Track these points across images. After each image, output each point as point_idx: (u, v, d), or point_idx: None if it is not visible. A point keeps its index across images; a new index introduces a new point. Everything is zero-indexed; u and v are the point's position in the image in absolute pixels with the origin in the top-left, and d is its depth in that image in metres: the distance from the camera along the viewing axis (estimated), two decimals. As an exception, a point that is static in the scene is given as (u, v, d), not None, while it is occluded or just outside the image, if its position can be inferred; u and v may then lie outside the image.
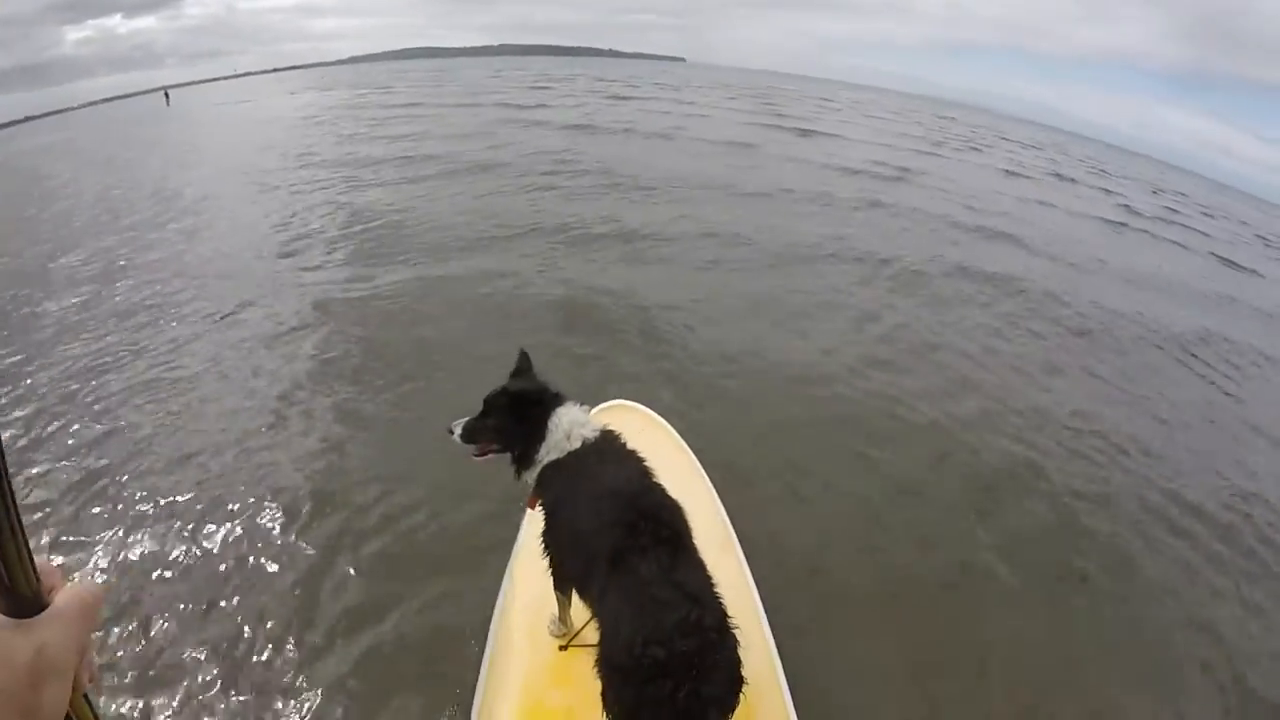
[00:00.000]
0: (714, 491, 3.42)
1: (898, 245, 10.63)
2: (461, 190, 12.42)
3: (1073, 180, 27.33)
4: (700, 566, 2.00)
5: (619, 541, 1.96)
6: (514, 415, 2.35)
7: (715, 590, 1.94)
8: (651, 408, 4.11)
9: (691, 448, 3.75)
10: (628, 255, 9.19)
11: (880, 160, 19.90)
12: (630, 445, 2.32)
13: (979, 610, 3.86)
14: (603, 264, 8.71)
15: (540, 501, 2.34)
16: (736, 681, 1.86)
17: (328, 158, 16.25)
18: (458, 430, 2.43)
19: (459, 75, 60.51)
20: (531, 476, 2.35)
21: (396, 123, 22.58)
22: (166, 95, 56.68)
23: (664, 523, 2.01)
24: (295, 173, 14.53)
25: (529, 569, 2.71)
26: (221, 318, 6.91)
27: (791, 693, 2.48)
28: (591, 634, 2.15)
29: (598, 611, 2.06)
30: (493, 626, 2.82)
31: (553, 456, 2.28)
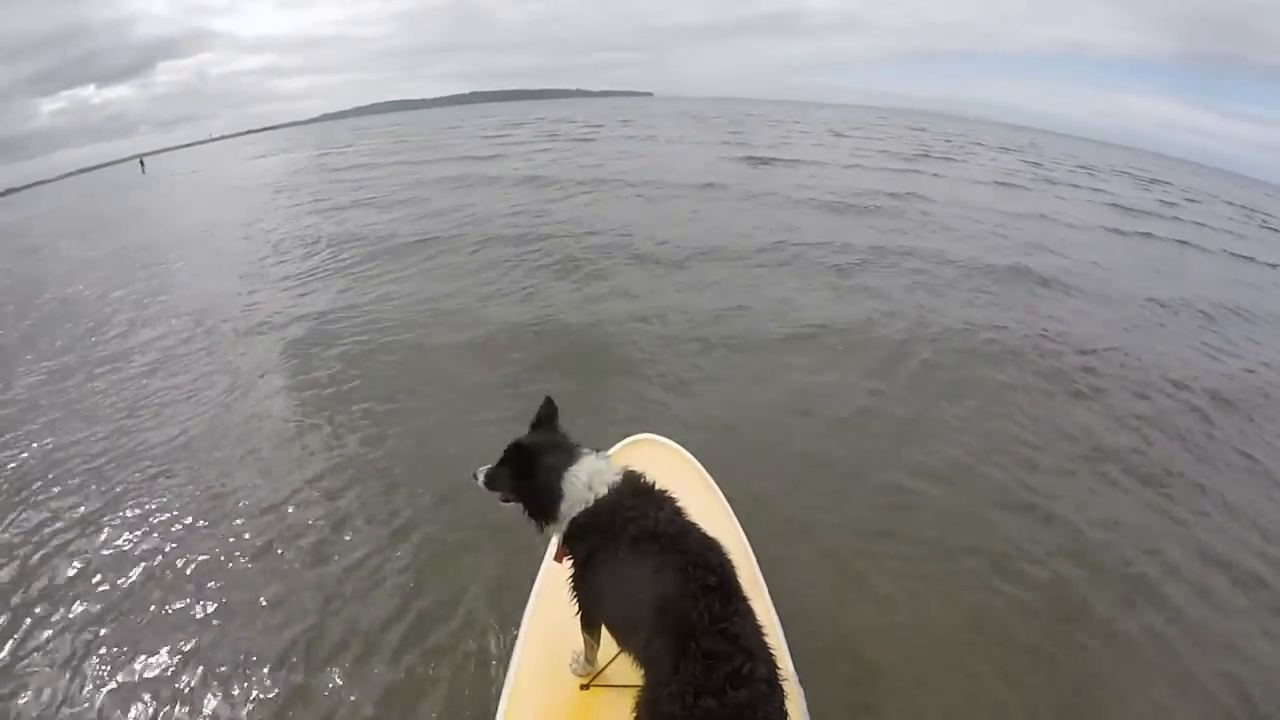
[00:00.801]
0: (740, 530, 3.28)
1: (942, 317, 7.82)
2: (389, 281, 9.55)
3: (1071, 185, 25.90)
4: (749, 614, 1.93)
5: (667, 589, 1.91)
6: (524, 471, 2.27)
7: (764, 639, 1.91)
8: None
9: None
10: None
11: (871, 189, 17.11)
12: (658, 485, 2.22)
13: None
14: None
15: (570, 554, 2.26)
16: None
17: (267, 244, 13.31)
18: (481, 477, 2.40)
19: (424, 126, 59.41)
20: (557, 532, 2.27)
21: (341, 189, 19.80)
22: (142, 164, 56.95)
23: (712, 568, 1.95)
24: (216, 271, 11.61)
25: (550, 604, 2.68)
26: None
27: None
28: (614, 674, 2.41)
29: (643, 659, 2.00)
30: (513, 660, 2.71)
31: (577, 510, 2.18)
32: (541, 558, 3.09)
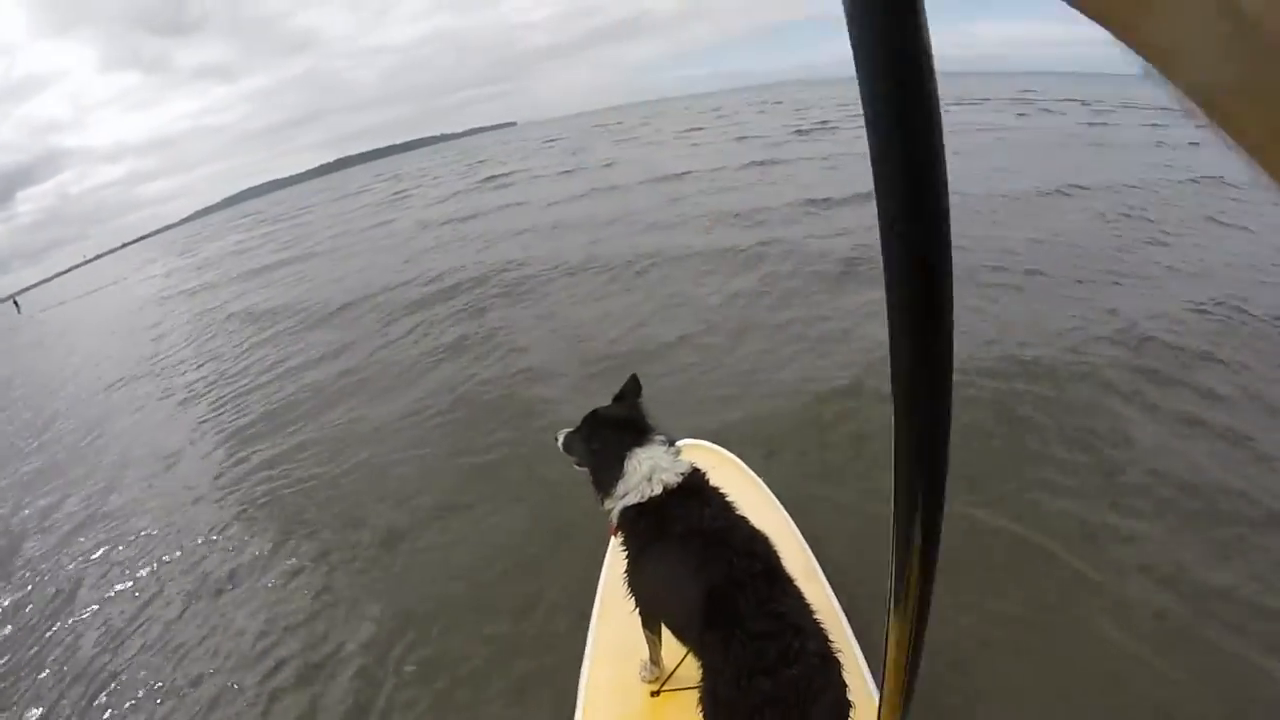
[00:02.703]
0: (792, 521, 3.23)
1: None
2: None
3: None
4: (798, 595, 1.91)
5: (714, 579, 1.87)
6: (594, 439, 2.25)
7: (815, 617, 1.87)
8: None
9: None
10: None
11: (761, 206, 11.90)
12: (714, 484, 2.17)
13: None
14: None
15: (623, 541, 2.20)
16: (843, 705, 1.78)
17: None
18: (561, 438, 2.39)
19: (279, 209, 55.38)
20: (612, 512, 2.19)
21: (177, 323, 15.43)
22: (16, 304, 52.45)
23: (757, 555, 1.94)
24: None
25: (613, 613, 2.64)
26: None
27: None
28: (684, 676, 2.28)
29: (699, 652, 1.96)
30: (582, 678, 2.59)
31: (632, 500, 2.12)
32: (600, 568, 3.06)
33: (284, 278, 16.19)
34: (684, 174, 17.82)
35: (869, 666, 2.42)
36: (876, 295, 0.51)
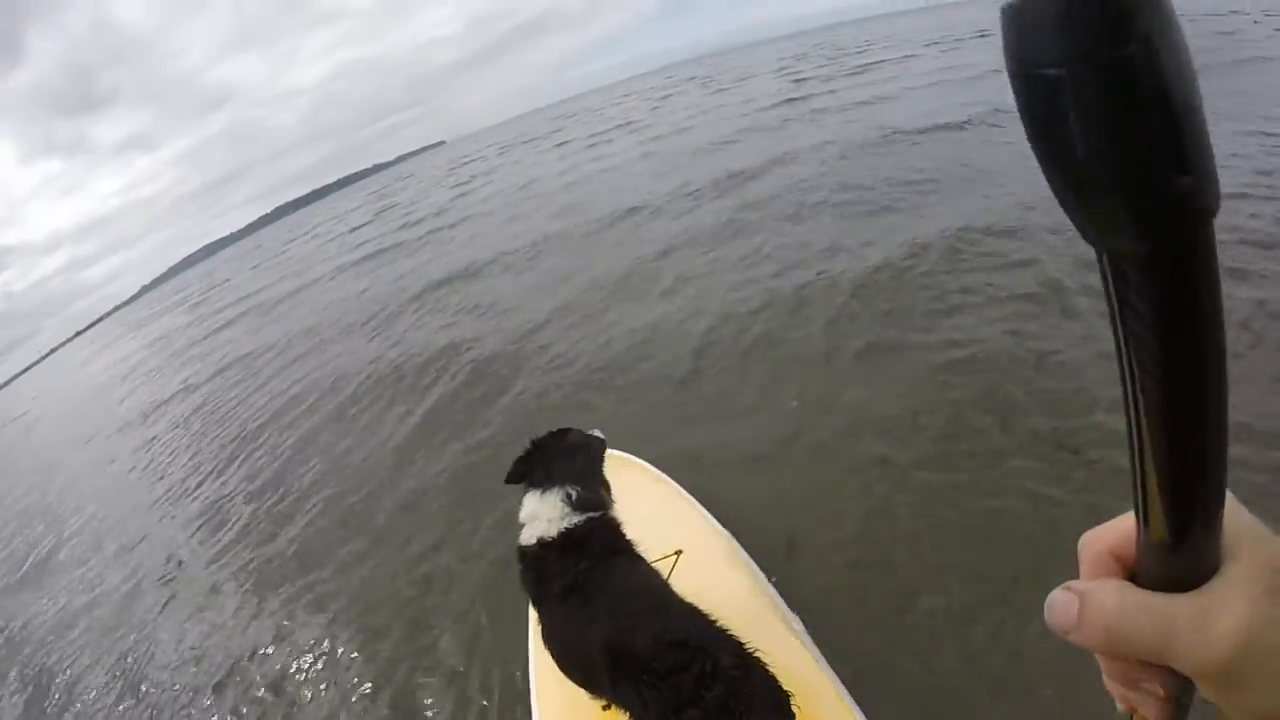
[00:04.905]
0: (703, 509, 3.04)
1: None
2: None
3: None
4: (691, 613, 1.84)
5: (605, 632, 1.78)
6: (517, 471, 2.21)
7: (716, 626, 1.79)
8: None
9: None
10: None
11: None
12: (607, 533, 2.04)
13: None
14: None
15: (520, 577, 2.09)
16: (781, 698, 1.70)
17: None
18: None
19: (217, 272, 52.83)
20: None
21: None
22: None
23: (639, 591, 1.90)
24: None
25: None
26: None
27: (839, 675, 2.19)
28: None
29: (618, 705, 1.82)
30: (532, 694, 2.53)
31: (521, 540, 2.06)
32: None
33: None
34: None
35: (807, 630, 2.42)
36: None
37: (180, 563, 5.94)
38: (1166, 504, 0.38)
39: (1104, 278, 0.34)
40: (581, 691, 2.21)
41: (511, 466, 2.21)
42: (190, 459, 8.69)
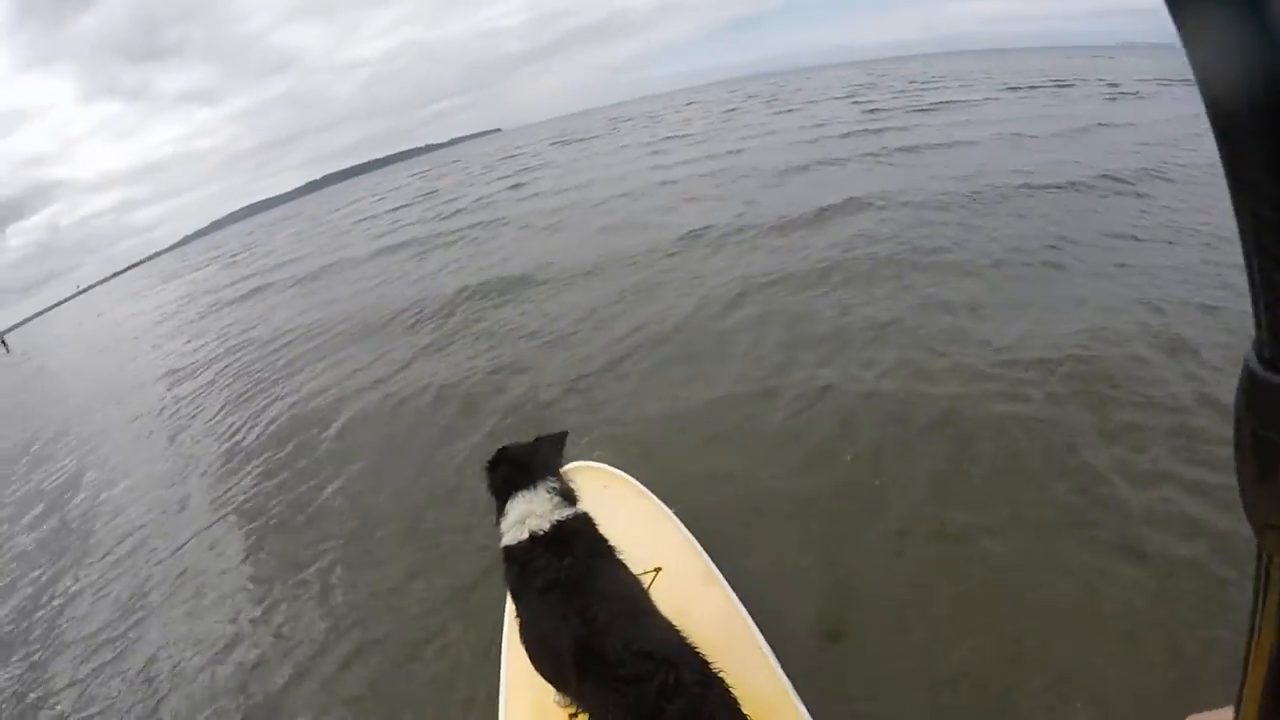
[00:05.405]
0: (685, 529, 3.00)
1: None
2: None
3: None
4: (664, 627, 1.88)
5: (577, 632, 1.80)
6: (494, 476, 2.24)
7: (685, 642, 1.83)
8: None
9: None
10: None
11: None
12: (591, 530, 2.11)
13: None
14: None
15: (504, 577, 2.13)
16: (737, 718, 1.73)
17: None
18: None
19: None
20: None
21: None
22: (4, 343, 48.68)
23: (616, 597, 1.91)
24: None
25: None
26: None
27: (805, 703, 2.18)
28: None
29: (580, 705, 1.99)
30: (500, 701, 2.51)
31: (506, 540, 2.09)
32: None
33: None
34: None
35: (777, 656, 2.35)
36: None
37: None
38: None
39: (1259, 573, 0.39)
40: (551, 703, 2.28)
41: (489, 476, 2.25)
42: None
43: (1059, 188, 9.29)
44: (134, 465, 7.87)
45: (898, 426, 4.30)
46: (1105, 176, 9.42)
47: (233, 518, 5.55)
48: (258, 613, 4.23)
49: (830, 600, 3.15)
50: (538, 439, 2.34)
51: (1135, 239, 6.88)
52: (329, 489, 5.41)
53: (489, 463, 2.27)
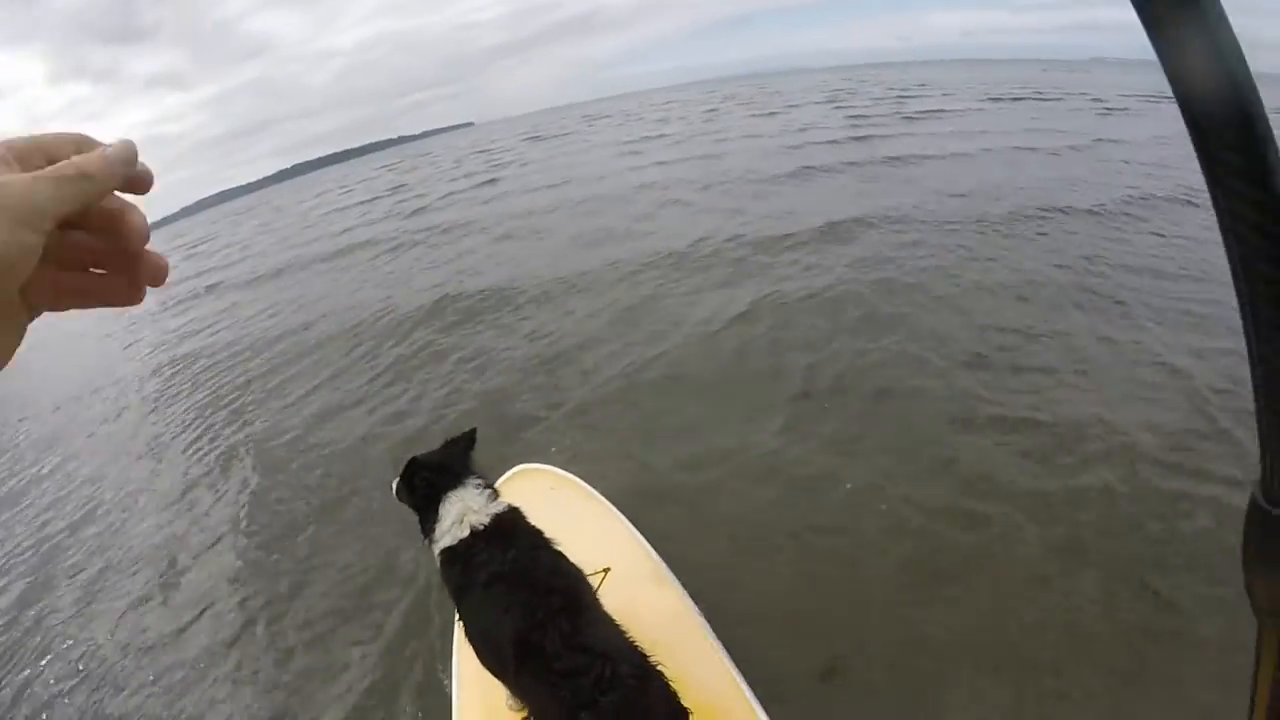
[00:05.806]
0: (634, 529, 2.95)
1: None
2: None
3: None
4: (603, 622, 1.86)
5: (518, 624, 1.77)
6: (415, 485, 2.14)
7: (624, 637, 1.82)
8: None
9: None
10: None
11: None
12: (527, 522, 2.07)
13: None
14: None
15: (444, 583, 2.07)
16: (676, 712, 1.74)
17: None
18: (394, 486, 2.28)
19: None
20: (435, 556, 2.05)
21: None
22: None
23: (557, 591, 1.84)
24: None
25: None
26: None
27: (756, 695, 2.17)
28: None
29: (520, 697, 1.99)
30: (454, 704, 2.46)
31: (445, 543, 2.01)
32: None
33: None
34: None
35: (728, 652, 2.35)
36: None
37: None
38: None
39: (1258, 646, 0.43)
40: (504, 705, 2.22)
41: (407, 489, 2.16)
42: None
43: (1088, 213, 8.65)
44: None
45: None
46: (1128, 200, 8.76)
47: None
48: None
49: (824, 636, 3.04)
50: (447, 441, 2.28)
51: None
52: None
53: (402, 477, 2.17)
